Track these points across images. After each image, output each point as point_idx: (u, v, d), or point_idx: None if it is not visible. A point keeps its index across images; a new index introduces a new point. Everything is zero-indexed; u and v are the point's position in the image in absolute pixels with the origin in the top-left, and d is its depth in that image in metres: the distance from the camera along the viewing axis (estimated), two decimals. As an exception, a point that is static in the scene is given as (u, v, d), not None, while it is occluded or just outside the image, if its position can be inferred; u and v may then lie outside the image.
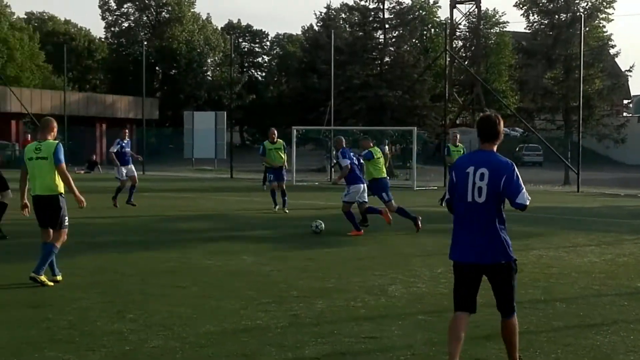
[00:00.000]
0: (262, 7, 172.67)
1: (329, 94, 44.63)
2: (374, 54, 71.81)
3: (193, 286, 9.59)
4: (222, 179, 40.32)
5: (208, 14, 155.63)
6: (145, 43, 65.32)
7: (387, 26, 71.28)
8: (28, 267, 10.63)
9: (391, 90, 66.25)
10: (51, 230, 9.68)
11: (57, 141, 9.77)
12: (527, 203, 6.23)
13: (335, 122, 47.10)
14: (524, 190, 6.22)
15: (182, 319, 7.78)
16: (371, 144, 17.74)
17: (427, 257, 12.45)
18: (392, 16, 71.42)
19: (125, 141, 22.34)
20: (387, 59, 71.53)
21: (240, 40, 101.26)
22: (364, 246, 13.84)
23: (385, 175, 17.49)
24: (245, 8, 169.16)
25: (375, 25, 71.51)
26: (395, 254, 12.87)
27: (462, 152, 23.05)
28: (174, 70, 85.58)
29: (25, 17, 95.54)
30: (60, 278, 9.68)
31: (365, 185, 16.83)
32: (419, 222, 16.21)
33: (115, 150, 22.05)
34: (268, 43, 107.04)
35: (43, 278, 9.35)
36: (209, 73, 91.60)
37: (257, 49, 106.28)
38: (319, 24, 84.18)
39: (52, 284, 9.46)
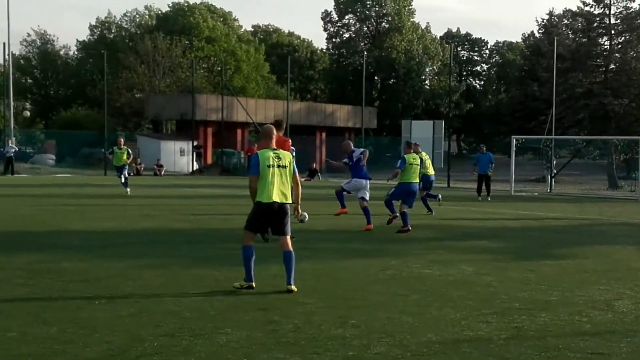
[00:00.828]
0: (482, 15, 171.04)
1: (550, 103, 43.63)
2: (598, 60, 69.38)
3: (413, 294, 9.63)
4: (439, 189, 40.25)
5: (427, 23, 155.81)
6: (365, 53, 66.28)
7: (613, 32, 68.69)
8: (258, 269, 11.11)
9: (616, 99, 63.79)
10: (287, 238, 9.92)
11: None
12: None
13: (556, 132, 45.92)
14: None
15: (403, 327, 7.84)
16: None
17: (657, 273, 11.89)
18: (618, 21, 68.78)
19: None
20: (612, 65, 68.89)
21: (459, 48, 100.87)
22: (586, 259, 13.40)
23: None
24: (464, 16, 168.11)
25: (600, 31, 69.09)
26: (621, 268, 12.37)
27: None
28: (392, 80, 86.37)
29: (252, 30, 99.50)
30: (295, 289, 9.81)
31: (367, 182, 18.31)
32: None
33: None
34: (487, 51, 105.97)
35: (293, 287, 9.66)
36: (426, 82, 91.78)
37: (475, 57, 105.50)
38: (540, 31, 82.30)
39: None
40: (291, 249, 9.80)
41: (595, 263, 12.90)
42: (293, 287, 9.57)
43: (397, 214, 17.80)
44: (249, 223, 9.97)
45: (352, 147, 18.64)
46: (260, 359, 6.58)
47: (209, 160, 61.35)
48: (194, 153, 56.36)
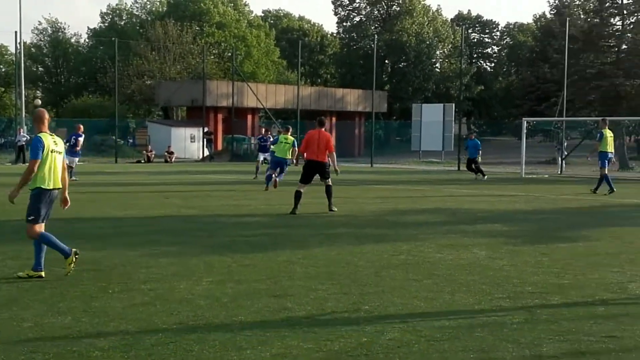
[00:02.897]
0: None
1: (561, 84, 43.49)
2: (610, 41, 69.03)
3: (426, 279, 9.64)
4: (449, 172, 40.24)
5: (438, 5, 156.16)
6: (376, 36, 66.12)
7: (625, 12, 68.29)
8: (268, 257, 11.14)
9: (628, 79, 63.45)
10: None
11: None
12: None
13: (567, 113, 45.78)
14: None
15: (416, 312, 7.85)
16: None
17: (670, 255, 11.87)
18: (630, 1, 68.35)
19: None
20: (624, 46, 68.55)
21: (470, 31, 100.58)
22: (598, 241, 13.38)
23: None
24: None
25: (612, 12, 68.71)
26: (633, 250, 12.34)
27: (612, 136, 25.08)
28: (402, 63, 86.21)
29: (262, 14, 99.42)
30: None
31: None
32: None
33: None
34: (498, 33, 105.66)
35: None
36: (437, 65, 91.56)
37: (486, 40, 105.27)
38: (552, 12, 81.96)
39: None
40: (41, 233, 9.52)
41: (608, 245, 12.88)
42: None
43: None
44: (36, 213, 9.49)
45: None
46: (275, 346, 6.60)
47: (219, 147, 61.39)
48: (204, 139, 56.39)
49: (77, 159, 29.21)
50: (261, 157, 32.09)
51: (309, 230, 14.53)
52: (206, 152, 56.03)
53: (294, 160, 23.91)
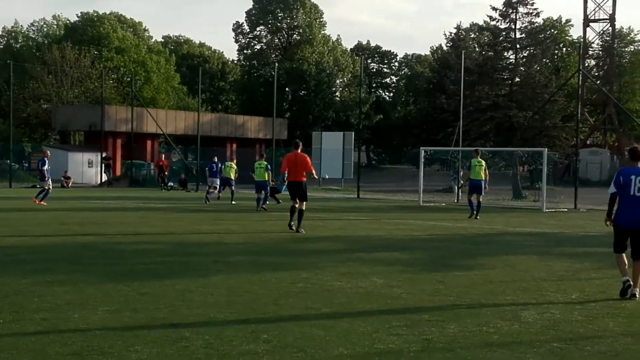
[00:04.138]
0: (392, 28, 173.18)
1: (457, 115, 44.43)
2: (503, 74, 71.08)
3: (324, 308, 9.67)
4: (349, 199, 40.55)
5: (338, 35, 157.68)
6: (276, 64, 66.41)
7: (518, 46, 70.46)
8: (165, 285, 11.00)
9: (521, 111, 65.38)
10: None
11: None
12: None
13: (464, 143, 46.76)
14: None
15: (315, 341, 7.86)
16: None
17: (560, 282, 12.19)
18: (523, 36, 70.57)
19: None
20: (517, 79, 70.65)
21: (369, 60, 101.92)
22: (493, 269, 13.66)
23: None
24: (374, 29, 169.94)
25: (506, 45, 70.78)
26: (526, 278, 12.65)
27: (483, 166, 26.83)
28: (303, 91, 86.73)
29: (162, 40, 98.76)
30: None
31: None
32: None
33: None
34: (396, 63, 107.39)
35: None
36: (337, 94, 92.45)
37: (385, 70, 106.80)
38: (448, 44, 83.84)
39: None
40: None
41: (502, 273, 13.16)
42: None
43: None
44: None
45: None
46: (172, 376, 6.52)
47: (118, 172, 60.53)
48: (103, 164, 55.49)
49: None
50: (215, 182, 35.39)
51: (208, 258, 14.43)
52: (104, 178, 55.11)
53: (271, 181, 31.73)
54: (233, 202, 33.24)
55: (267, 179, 30.43)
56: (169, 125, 63.27)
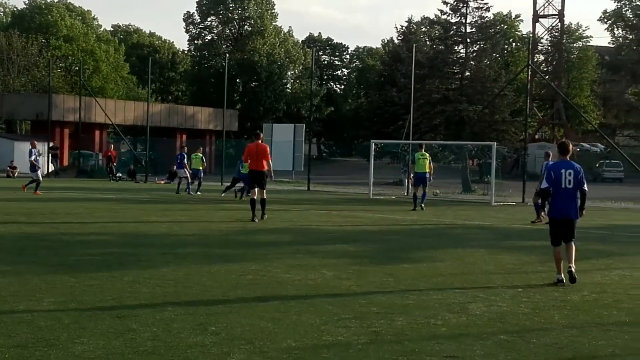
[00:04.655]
0: (343, 20, 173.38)
1: (408, 108, 44.58)
2: (454, 68, 71.51)
3: (273, 300, 9.65)
4: (299, 191, 40.54)
5: (290, 27, 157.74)
6: (227, 55, 66.08)
7: (468, 40, 70.97)
8: (113, 277, 10.89)
9: (471, 105, 65.86)
10: None
11: None
12: (587, 189, 11.84)
13: (414, 136, 46.96)
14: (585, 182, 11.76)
15: (263, 333, 7.84)
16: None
17: (508, 275, 12.32)
18: (474, 30, 71.08)
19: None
20: (467, 73, 71.15)
21: (321, 53, 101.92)
22: (442, 262, 13.75)
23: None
24: (326, 21, 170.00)
25: (456, 39, 71.23)
26: (474, 271, 12.75)
27: (427, 159, 27.18)
28: (254, 83, 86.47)
29: (112, 29, 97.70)
30: None
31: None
32: None
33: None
34: (348, 56, 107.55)
35: None
36: (288, 86, 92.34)
37: (336, 62, 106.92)
38: (399, 38, 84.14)
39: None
40: None
41: (450, 266, 13.25)
42: None
43: None
44: None
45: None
46: (118, 369, 6.45)
47: (66, 162, 59.81)
48: (50, 154, 54.75)
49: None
50: (184, 173, 35.24)
51: (157, 250, 14.31)
52: (51, 168, 54.41)
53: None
54: (199, 193, 33.79)
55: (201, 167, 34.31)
56: (117, 115, 62.68)
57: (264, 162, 21.01)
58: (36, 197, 29.01)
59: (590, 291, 10.95)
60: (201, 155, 35.54)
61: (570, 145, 12.25)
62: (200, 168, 35.20)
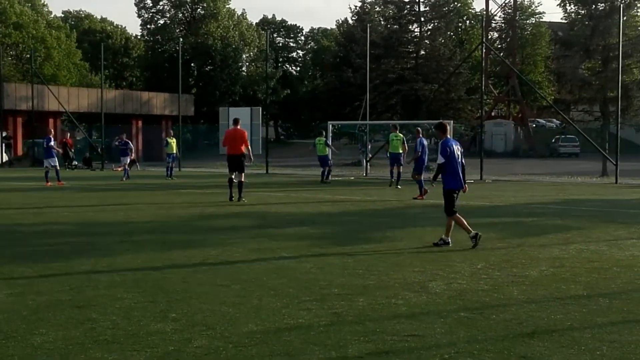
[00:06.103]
0: (297, 2, 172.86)
1: (364, 88, 44.62)
2: (409, 47, 71.66)
3: (234, 284, 9.61)
4: (257, 175, 40.45)
5: (243, 9, 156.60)
6: (181, 40, 65.58)
7: (422, 19, 71.10)
8: (70, 266, 10.78)
9: (427, 84, 66.09)
10: None
11: None
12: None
13: (371, 117, 47.06)
14: None
15: (224, 318, 7.81)
16: None
17: (467, 253, 12.40)
18: (427, 9, 71.25)
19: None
20: (422, 52, 71.36)
21: (275, 35, 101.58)
22: (401, 241, 13.81)
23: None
24: (280, 3, 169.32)
25: (410, 19, 71.33)
26: (433, 249, 12.82)
27: (400, 139, 28.48)
28: (209, 67, 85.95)
29: (62, 15, 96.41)
30: None
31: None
32: None
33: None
34: (302, 38, 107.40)
35: None
36: (243, 69, 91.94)
37: (291, 44, 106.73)
38: (353, 18, 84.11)
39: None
40: None
41: (410, 246, 13.31)
42: None
43: None
44: None
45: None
46: (78, 359, 6.38)
47: (20, 152, 59.06)
48: (3, 144, 54.04)
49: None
50: (126, 160, 35.77)
51: (114, 238, 14.19)
52: (5, 158, 53.69)
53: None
54: (174, 178, 35.61)
55: (327, 153, 32.95)
56: (71, 102, 62.00)
57: (242, 147, 21.97)
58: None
59: (549, 266, 11.07)
60: (173, 139, 36.97)
61: (449, 126, 14.34)
62: (174, 152, 36.93)
